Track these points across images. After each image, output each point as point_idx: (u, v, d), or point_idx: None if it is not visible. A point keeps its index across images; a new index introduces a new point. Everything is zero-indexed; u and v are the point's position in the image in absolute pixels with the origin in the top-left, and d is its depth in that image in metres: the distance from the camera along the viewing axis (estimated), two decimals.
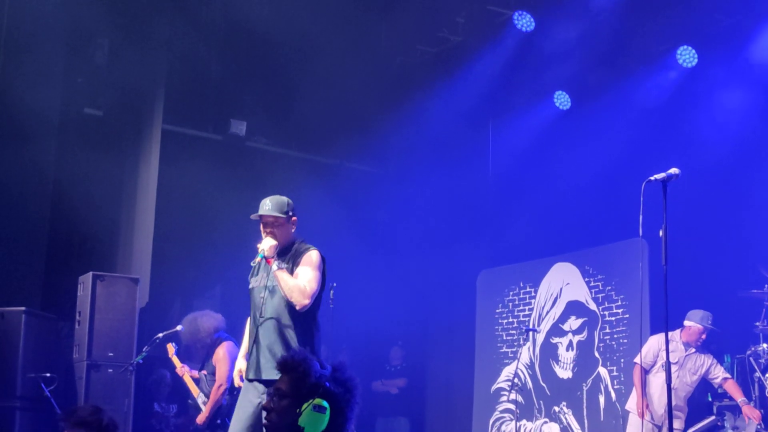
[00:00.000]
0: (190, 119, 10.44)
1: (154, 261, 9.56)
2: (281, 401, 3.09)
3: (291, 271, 5.32)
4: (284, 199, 5.46)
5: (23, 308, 8.05)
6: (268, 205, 5.40)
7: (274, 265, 5.26)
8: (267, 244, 5.31)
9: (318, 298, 5.38)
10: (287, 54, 10.28)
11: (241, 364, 5.60)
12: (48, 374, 7.87)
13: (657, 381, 7.76)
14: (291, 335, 5.27)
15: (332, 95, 10.43)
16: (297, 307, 5.23)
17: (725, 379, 7.74)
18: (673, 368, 7.50)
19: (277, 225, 5.37)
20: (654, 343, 7.74)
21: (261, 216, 5.41)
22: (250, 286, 5.54)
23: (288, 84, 10.37)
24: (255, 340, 5.34)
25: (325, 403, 3.04)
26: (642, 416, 7.59)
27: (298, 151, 11.30)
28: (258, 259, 5.36)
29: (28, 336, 8.02)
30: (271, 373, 5.16)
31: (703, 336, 7.72)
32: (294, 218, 5.46)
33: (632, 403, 7.95)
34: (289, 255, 5.37)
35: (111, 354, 8.20)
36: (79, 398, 8.05)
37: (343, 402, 3.10)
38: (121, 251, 9.85)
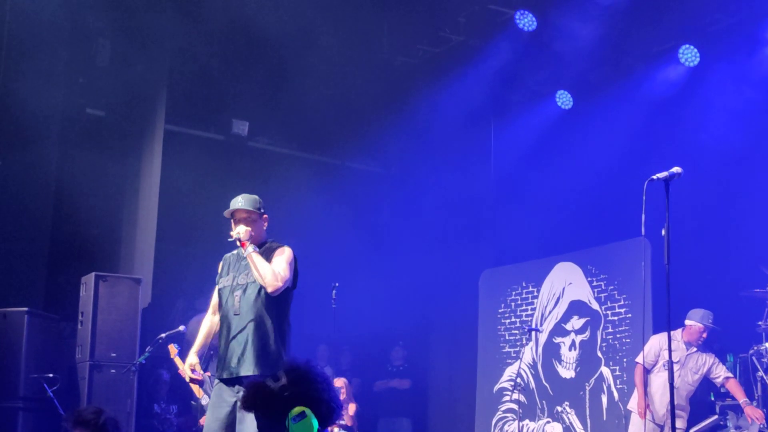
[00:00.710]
0: (192, 119, 10.46)
1: (157, 261, 9.57)
2: None
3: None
4: (255, 196, 5.51)
5: (26, 309, 8.04)
6: (240, 202, 5.44)
7: (249, 248, 5.28)
8: (242, 229, 5.34)
9: (289, 295, 5.40)
10: (289, 54, 10.27)
11: (192, 359, 5.57)
12: (51, 375, 7.87)
13: (658, 380, 7.74)
14: (266, 333, 5.28)
15: (334, 95, 10.44)
16: (269, 290, 5.24)
17: (727, 378, 7.72)
18: (675, 367, 7.48)
19: (251, 220, 5.40)
20: (655, 342, 7.72)
21: (233, 212, 5.43)
22: (220, 286, 5.54)
23: (290, 84, 10.37)
24: (228, 339, 5.34)
25: (298, 410, 3.00)
26: (643, 416, 7.57)
27: (300, 151, 11.31)
28: (233, 237, 5.35)
29: (31, 336, 8.02)
30: (249, 369, 5.19)
31: (704, 335, 7.70)
32: (265, 216, 5.50)
33: (634, 403, 7.94)
34: (261, 251, 5.38)
35: (113, 354, 8.20)
36: (81, 399, 8.04)
37: (314, 393, 3.06)
38: (124, 251, 9.85)
